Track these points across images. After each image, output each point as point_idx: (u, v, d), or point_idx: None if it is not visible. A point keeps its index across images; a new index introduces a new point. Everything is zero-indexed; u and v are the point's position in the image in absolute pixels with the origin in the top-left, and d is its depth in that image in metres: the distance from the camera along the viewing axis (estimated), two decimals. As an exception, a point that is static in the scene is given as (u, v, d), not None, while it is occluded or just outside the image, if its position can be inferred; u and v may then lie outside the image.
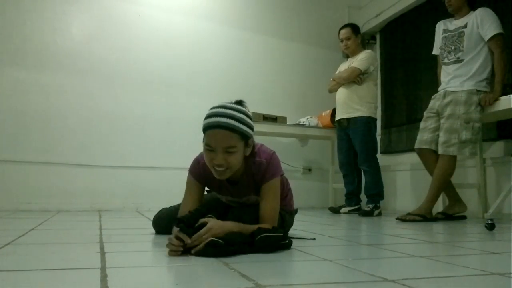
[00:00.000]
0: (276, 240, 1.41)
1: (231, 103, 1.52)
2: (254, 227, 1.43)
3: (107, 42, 3.86)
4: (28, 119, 3.52)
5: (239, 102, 1.54)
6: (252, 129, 1.51)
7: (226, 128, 1.42)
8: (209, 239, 1.29)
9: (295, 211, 1.91)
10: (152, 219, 2.01)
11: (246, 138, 1.48)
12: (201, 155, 1.61)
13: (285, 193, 1.77)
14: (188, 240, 1.31)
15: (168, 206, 2.02)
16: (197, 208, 1.51)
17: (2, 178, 3.39)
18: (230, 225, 1.41)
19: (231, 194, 1.69)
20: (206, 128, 1.45)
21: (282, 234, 1.44)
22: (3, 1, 3.53)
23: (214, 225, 1.36)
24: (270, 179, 1.56)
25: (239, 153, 1.47)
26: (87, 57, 3.77)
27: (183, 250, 1.31)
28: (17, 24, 3.56)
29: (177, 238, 1.31)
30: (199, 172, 1.60)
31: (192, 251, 1.31)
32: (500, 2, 3.33)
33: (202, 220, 1.36)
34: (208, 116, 1.46)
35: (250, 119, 1.51)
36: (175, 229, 1.35)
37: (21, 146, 3.48)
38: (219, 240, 1.29)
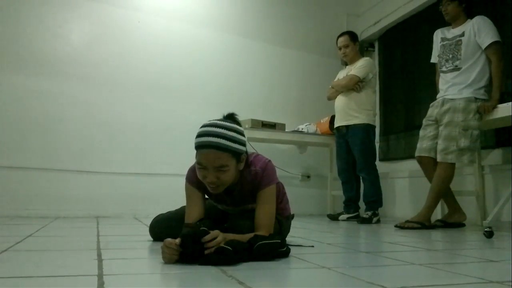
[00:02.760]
0: (274, 248, 1.40)
1: (223, 117, 1.53)
2: (251, 234, 1.42)
3: (107, 48, 3.87)
4: (27, 125, 3.51)
5: (231, 116, 1.55)
6: (244, 145, 1.52)
7: (217, 148, 1.43)
8: (220, 245, 1.28)
9: (292, 216, 1.91)
10: (149, 226, 2.00)
11: (237, 155, 1.49)
12: None
13: (280, 198, 1.77)
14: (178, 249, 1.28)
15: (164, 212, 2.01)
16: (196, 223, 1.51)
17: (0, 184, 3.38)
18: (229, 235, 1.40)
19: (226, 203, 1.70)
20: (198, 147, 1.47)
21: (279, 241, 1.43)
22: (3, 7, 3.54)
23: (219, 233, 1.35)
24: (265, 187, 1.57)
25: (231, 170, 1.48)
26: (87, 63, 3.77)
27: (182, 258, 1.29)
28: (17, 31, 3.56)
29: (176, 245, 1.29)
30: (197, 180, 1.60)
31: (206, 251, 1.27)
32: (497, 10, 3.36)
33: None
34: (199, 135, 1.47)
35: (242, 134, 1.52)
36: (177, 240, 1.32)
37: (19, 152, 3.47)
38: (229, 248, 1.28)
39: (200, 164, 1.47)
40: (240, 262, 1.30)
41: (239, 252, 1.32)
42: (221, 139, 1.43)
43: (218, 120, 1.51)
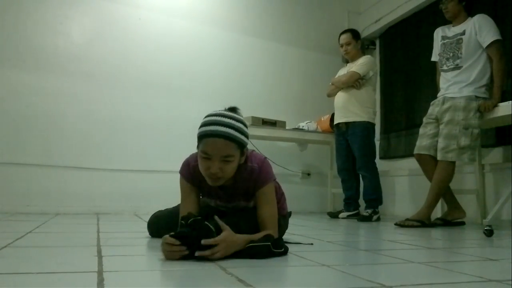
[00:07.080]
0: (266, 251, 1.37)
1: (226, 110, 1.52)
2: (260, 234, 1.42)
3: (108, 45, 3.86)
4: (28, 122, 3.51)
5: (233, 109, 1.54)
6: (248, 137, 1.52)
7: (225, 137, 1.42)
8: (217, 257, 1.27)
9: (289, 214, 1.91)
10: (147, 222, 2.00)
11: (242, 147, 1.49)
12: (191, 157, 1.62)
13: (278, 198, 1.76)
14: (183, 249, 1.28)
15: (163, 209, 2.01)
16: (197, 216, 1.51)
17: (1, 180, 3.38)
18: (240, 241, 1.36)
19: (219, 198, 1.69)
20: (204, 136, 1.44)
21: (270, 244, 1.39)
22: (5, 4, 3.53)
23: (227, 237, 1.32)
24: (264, 185, 1.57)
25: (235, 162, 1.48)
26: (88, 60, 3.77)
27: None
28: (18, 27, 3.56)
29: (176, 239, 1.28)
30: (191, 175, 1.60)
31: (197, 254, 1.27)
32: (497, 8, 3.34)
33: (214, 224, 1.32)
34: (206, 124, 1.46)
35: (247, 127, 1.52)
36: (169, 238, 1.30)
37: (20, 148, 3.47)
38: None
39: (205, 153, 1.44)
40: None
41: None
42: (230, 129, 1.43)
43: (223, 111, 1.51)
